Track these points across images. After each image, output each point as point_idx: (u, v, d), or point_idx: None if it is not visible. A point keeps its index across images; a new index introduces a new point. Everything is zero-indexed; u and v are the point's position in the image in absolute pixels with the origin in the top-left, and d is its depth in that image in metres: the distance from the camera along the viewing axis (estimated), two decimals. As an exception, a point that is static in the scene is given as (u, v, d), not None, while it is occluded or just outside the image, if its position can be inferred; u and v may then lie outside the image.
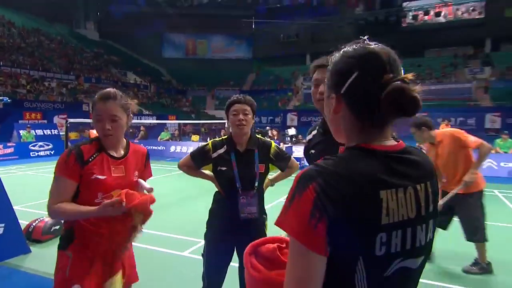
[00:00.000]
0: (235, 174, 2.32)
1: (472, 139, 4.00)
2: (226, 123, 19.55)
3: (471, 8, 29.80)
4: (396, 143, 0.92)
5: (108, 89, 1.91)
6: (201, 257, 2.46)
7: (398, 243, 0.83)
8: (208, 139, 17.02)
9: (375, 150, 0.87)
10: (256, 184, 2.37)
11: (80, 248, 1.80)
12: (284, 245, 1.00)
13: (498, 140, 12.05)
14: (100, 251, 1.83)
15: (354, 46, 0.92)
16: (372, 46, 0.90)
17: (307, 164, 2.35)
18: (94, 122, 1.88)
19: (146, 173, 2.10)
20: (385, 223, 0.81)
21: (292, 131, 19.16)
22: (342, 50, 0.95)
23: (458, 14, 30.15)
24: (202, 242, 2.50)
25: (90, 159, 1.82)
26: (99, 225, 1.78)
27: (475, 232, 3.93)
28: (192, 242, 4.80)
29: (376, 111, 0.86)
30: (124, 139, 2.01)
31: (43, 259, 4.20)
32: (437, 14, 30.60)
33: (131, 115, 1.97)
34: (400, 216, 0.83)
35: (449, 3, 30.06)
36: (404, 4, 31.31)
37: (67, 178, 1.76)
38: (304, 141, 16.44)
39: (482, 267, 4.04)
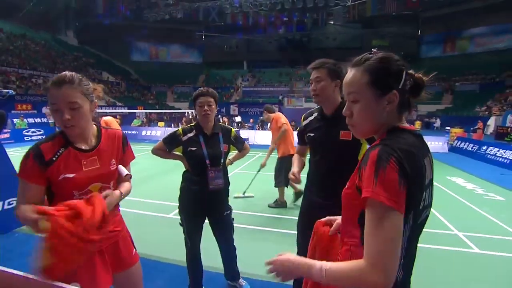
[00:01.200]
0: (204, 153, 2.12)
1: (280, 122, 4.45)
2: (186, 113, 19.75)
3: (352, 37, 32.93)
4: (409, 125, 0.89)
5: (63, 73, 1.23)
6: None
7: (427, 198, 0.84)
8: (173, 125, 17.34)
9: (409, 130, 0.86)
10: (222, 161, 2.21)
11: None
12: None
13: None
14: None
15: (383, 53, 0.89)
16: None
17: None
18: (51, 113, 1.23)
19: (127, 158, 1.47)
20: (426, 183, 0.82)
21: (238, 119, 19.38)
22: (382, 56, 0.88)
23: (346, 40, 33.09)
24: (183, 205, 2.17)
25: (54, 158, 1.23)
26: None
27: (275, 180, 4.58)
28: (175, 206, 4.42)
29: (408, 98, 0.88)
30: (94, 126, 1.39)
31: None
32: (334, 39, 33.25)
33: (96, 101, 1.32)
34: (428, 177, 0.83)
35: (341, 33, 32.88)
36: (312, 30, 33.33)
37: (28, 182, 1.20)
38: (247, 125, 17.68)
39: (279, 203, 4.61)
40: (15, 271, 0.97)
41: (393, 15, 29.72)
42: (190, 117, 18.42)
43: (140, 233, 3.45)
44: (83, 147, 1.32)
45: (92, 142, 1.35)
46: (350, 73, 0.91)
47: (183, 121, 18.28)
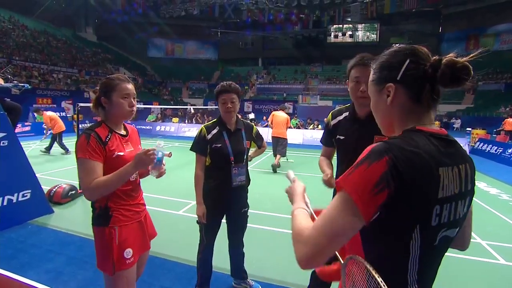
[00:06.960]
0: (228, 149, 2.08)
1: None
2: (207, 108, 19.77)
3: (369, 34, 32.06)
4: (439, 128, 0.79)
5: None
6: (193, 214, 2.17)
7: (447, 215, 0.73)
8: (186, 121, 17.26)
9: (431, 133, 0.75)
10: (245, 157, 2.19)
11: (121, 219, 1.53)
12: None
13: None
14: (137, 217, 1.61)
15: (399, 46, 0.81)
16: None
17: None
18: (121, 101, 1.54)
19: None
20: (440, 196, 0.70)
21: (252, 115, 19.44)
22: (389, 50, 0.81)
23: (363, 37, 32.29)
24: (193, 203, 2.18)
25: (107, 139, 1.49)
26: (131, 196, 1.59)
27: (279, 152, 7.16)
28: (185, 203, 4.49)
29: (430, 90, 0.75)
30: None
31: (64, 218, 3.96)
32: (350, 36, 32.49)
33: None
34: (450, 191, 0.72)
35: (358, 29, 32.10)
36: (329, 26, 32.73)
37: (93, 160, 1.42)
38: (260, 124, 17.63)
39: (275, 167, 7.03)
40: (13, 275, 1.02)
41: (413, 12, 28.77)
42: (192, 111, 18.39)
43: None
44: (122, 133, 1.63)
45: (123, 130, 1.65)
46: None
47: (197, 117, 18.35)
